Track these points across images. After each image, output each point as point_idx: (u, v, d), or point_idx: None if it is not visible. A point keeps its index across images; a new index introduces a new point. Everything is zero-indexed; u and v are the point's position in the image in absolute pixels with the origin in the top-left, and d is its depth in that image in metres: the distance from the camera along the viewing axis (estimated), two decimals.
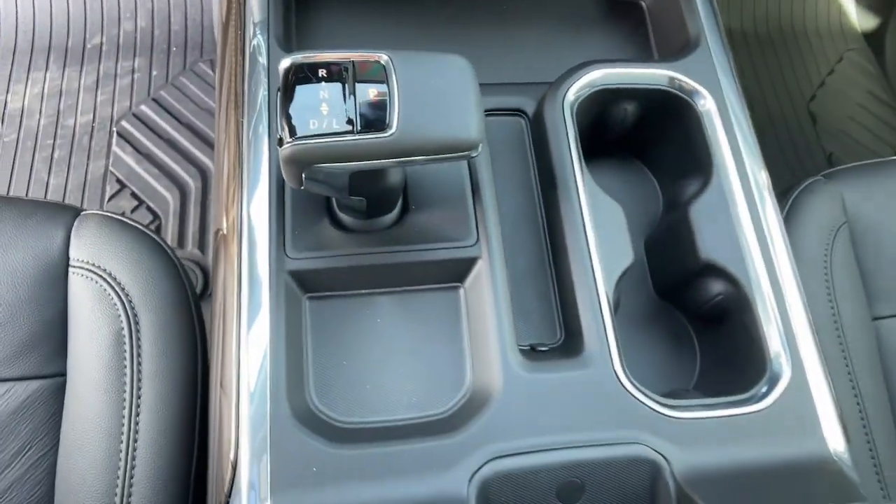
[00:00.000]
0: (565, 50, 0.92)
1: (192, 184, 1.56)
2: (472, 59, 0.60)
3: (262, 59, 0.78)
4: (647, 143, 0.89)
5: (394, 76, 0.56)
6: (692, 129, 0.81)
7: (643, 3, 0.97)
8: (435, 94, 0.57)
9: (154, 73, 1.69)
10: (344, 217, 0.70)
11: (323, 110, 0.55)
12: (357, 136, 0.55)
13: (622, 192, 0.86)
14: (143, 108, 1.64)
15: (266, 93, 0.76)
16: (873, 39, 2.01)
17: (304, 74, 0.57)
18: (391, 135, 0.55)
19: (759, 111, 1.88)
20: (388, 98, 0.56)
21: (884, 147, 1.87)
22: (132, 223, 0.85)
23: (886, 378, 0.91)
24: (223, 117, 0.83)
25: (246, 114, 0.76)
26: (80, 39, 1.71)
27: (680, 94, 0.81)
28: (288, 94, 0.56)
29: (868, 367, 0.90)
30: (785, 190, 0.99)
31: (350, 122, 0.55)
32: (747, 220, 0.75)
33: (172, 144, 1.60)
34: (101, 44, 1.71)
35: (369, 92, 0.56)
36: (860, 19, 2.04)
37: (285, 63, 0.57)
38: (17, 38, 1.70)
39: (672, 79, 0.81)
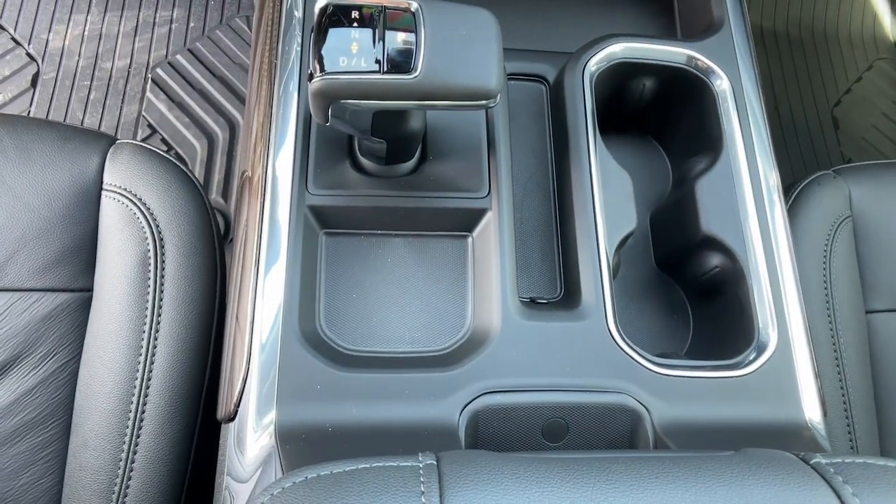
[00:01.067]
0: (591, 23, 0.95)
1: (221, 134, 1.61)
2: (498, 23, 0.63)
3: (298, 13, 0.82)
4: (663, 120, 0.91)
5: (422, 23, 0.59)
6: (706, 108, 0.84)
7: None
8: (459, 43, 0.60)
9: (191, 24, 1.73)
10: (365, 162, 0.74)
11: (353, 50, 0.59)
12: (383, 76, 0.58)
13: (634, 168, 0.89)
14: (179, 57, 1.69)
15: (299, 45, 0.79)
16: None
17: (337, 16, 0.60)
18: (415, 77, 0.58)
19: (783, 111, 1.89)
20: (414, 43, 0.59)
21: None
22: (162, 153, 0.89)
23: (873, 369, 0.94)
24: (258, 64, 0.87)
25: (279, 62, 0.79)
26: None
27: (697, 72, 0.84)
28: (321, 34, 0.59)
29: (856, 356, 0.92)
30: (795, 181, 1.02)
31: (377, 62, 0.58)
32: (750, 197, 0.78)
33: (204, 95, 1.65)
34: None
35: (398, 37, 0.59)
36: (893, 29, 2.03)
37: (320, 3, 0.60)
38: None
39: (691, 57, 0.84)
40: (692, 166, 0.86)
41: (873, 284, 0.98)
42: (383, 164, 0.73)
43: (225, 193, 1.55)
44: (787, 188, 1.00)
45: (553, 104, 0.84)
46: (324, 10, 0.60)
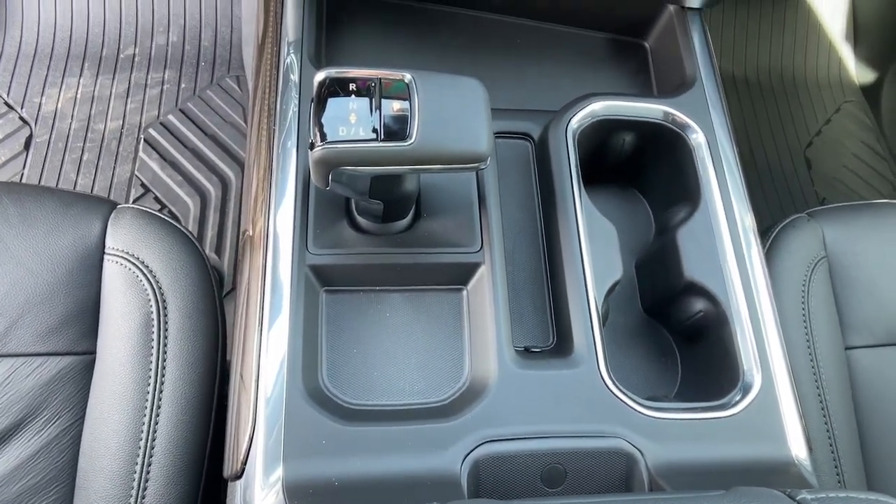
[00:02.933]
0: (572, 84, 1.00)
1: (213, 191, 1.64)
2: (485, 85, 0.68)
3: (294, 77, 0.86)
4: (643, 171, 0.96)
5: (415, 93, 0.63)
6: (684, 160, 0.88)
7: (646, 45, 1.06)
8: (451, 111, 0.64)
9: (182, 85, 1.78)
10: (361, 220, 0.77)
11: (351, 119, 0.62)
12: (380, 144, 0.62)
13: (618, 217, 0.94)
14: (171, 117, 1.73)
15: (297, 108, 0.83)
16: (870, 93, 2.11)
17: (335, 88, 0.64)
18: (410, 144, 0.62)
19: (758, 155, 1.96)
20: (409, 112, 0.63)
21: (875, 195, 1.94)
22: (164, 217, 0.92)
23: (855, 404, 0.97)
24: (255, 128, 0.91)
25: (277, 125, 0.83)
26: (115, 49, 1.80)
27: (673, 127, 0.89)
28: (321, 104, 0.63)
29: (839, 392, 0.96)
30: (771, 224, 1.06)
31: (375, 131, 0.62)
32: (729, 244, 0.82)
33: (196, 153, 1.68)
34: (134, 55, 1.80)
35: (393, 106, 0.63)
36: (858, 73, 2.13)
37: (319, 76, 0.64)
38: (55, 45, 1.79)
39: (667, 113, 0.89)
40: (673, 215, 0.90)
41: (850, 322, 1.02)
42: (380, 222, 0.76)
43: (218, 249, 1.58)
44: (764, 231, 1.05)
45: (539, 160, 0.88)
46: (323, 82, 0.64)
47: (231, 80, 1.79)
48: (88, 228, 0.89)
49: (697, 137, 0.88)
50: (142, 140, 1.69)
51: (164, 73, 1.78)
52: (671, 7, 1.00)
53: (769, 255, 1.00)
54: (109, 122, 1.71)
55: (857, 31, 2.14)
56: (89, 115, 1.72)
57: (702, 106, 0.91)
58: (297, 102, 0.83)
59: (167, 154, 1.68)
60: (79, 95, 1.74)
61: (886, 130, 2.06)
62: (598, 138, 0.90)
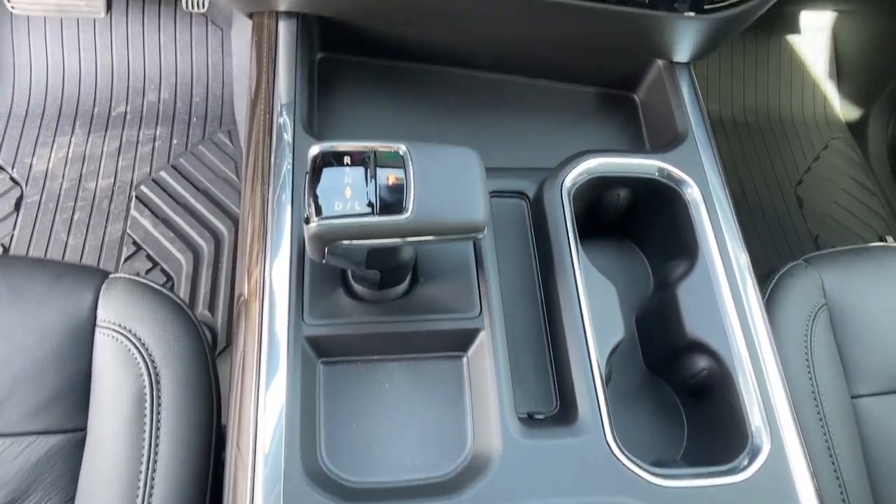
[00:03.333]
0: (565, 139, 1.00)
1: (206, 248, 1.63)
2: (478, 145, 0.67)
3: (287, 137, 0.85)
4: (639, 226, 0.95)
5: (410, 165, 0.62)
6: (680, 215, 0.88)
7: (637, 99, 1.06)
8: (446, 182, 0.63)
9: (174, 141, 1.78)
10: (358, 288, 0.76)
11: (346, 193, 0.61)
12: (376, 218, 0.61)
13: (616, 272, 0.93)
14: (163, 174, 1.72)
15: (290, 167, 0.83)
16: (856, 129, 2.13)
17: (330, 160, 0.63)
18: (407, 217, 0.61)
19: (750, 194, 1.97)
20: (404, 184, 0.62)
21: (867, 230, 1.95)
22: (156, 286, 0.91)
23: (865, 453, 0.95)
24: (248, 189, 0.90)
25: (271, 186, 0.82)
26: (106, 108, 1.81)
27: (668, 183, 0.88)
28: (315, 178, 0.62)
29: (847, 444, 0.94)
30: (768, 273, 1.06)
31: (370, 204, 0.61)
32: (730, 300, 0.81)
33: (188, 210, 1.67)
34: (126, 112, 1.81)
35: (388, 179, 0.62)
36: (844, 110, 2.16)
37: (314, 150, 0.63)
38: (46, 104, 1.79)
39: (661, 169, 0.89)
40: (671, 270, 0.89)
41: (854, 370, 1.00)
42: (376, 289, 0.75)
43: (212, 306, 1.56)
44: (762, 280, 1.04)
45: (535, 219, 0.88)
46: (316, 157, 0.63)
47: (223, 135, 1.79)
48: (80, 301, 0.87)
49: (692, 192, 0.88)
50: (133, 198, 1.68)
51: (155, 130, 1.79)
52: (659, 61, 1.01)
53: (769, 306, 0.99)
54: (101, 180, 1.70)
55: (840, 69, 2.18)
56: (80, 174, 1.71)
57: (695, 159, 0.91)
58: (290, 162, 0.83)
59: (159, 211, 1.67)
60: (70, 154, 1.73)
61: (874, 166, 2.08)
62: (593, 195, 0.90)
